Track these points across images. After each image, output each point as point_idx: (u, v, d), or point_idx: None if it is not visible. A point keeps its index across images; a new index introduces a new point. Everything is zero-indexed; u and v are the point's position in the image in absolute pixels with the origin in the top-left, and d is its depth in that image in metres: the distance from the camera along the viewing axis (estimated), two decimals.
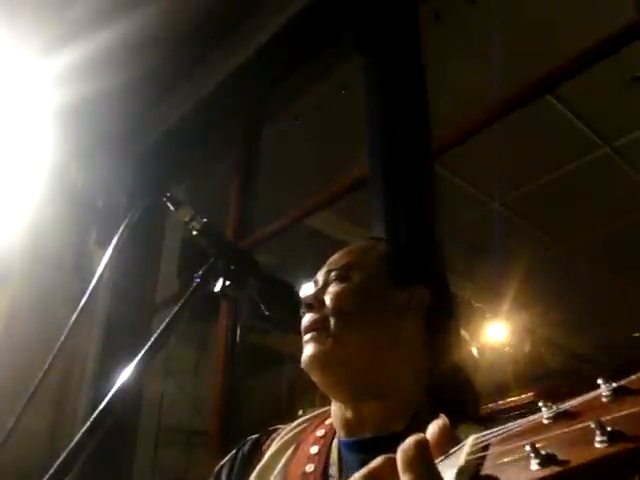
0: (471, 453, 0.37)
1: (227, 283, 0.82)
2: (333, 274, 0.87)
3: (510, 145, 2.93)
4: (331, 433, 0.85)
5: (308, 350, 0.82)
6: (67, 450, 0.66)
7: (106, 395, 0.69)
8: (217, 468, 0.93)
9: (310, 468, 0.80)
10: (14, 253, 2.66)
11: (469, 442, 0.38)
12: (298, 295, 0.87)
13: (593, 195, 3.59)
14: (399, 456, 0.38)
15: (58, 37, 2.41)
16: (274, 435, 0.91)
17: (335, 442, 0.82)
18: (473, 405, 0.87)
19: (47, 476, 0.64)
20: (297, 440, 0.87)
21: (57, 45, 2.41)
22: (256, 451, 0.90)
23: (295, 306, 0.85)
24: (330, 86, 2.67)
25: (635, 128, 3.10)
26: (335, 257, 0.91)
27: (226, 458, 0.93)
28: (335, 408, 0.85)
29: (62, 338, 0.89)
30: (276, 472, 0.83)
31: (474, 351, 4.63)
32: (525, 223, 3.95)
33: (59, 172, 2.85)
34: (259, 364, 3.56)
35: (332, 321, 0.82)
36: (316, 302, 0.84)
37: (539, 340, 5.26)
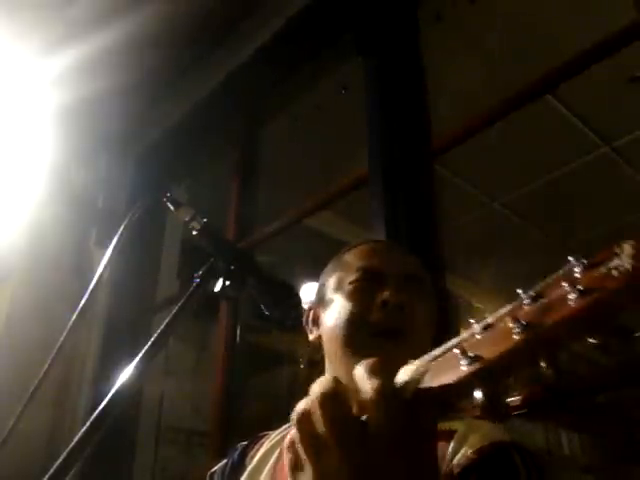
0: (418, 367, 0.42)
1: (227, 283, 0.82)
2: (412, 285, 0.87)
3: (510, 145, 2.93)
4: None
5: (386, 347, 0.81)
6: (67, 450, 0.66)
7: (106, 395, 0.69)
8: (208, 475, 0.94)
9: None
10: (14, 253, 2.66)
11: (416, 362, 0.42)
12: (298, 295, 0.86)
13: (593, 195, 3.58)
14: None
15: (58, 37, 2.41)
16: (263, 440, 0.92)
17: None
18: None
19: (47, 476, 0.64)
20: (284, 443, 0.87)
21: (57, 45, 2.41)
22: (245, 457, 0.91)
23: (295, 306, 0.85)
24: (330, 86, 2.67)
25: (635, 128, 3.10)
26: (403, 260, 0.92)
27: (217, 466, 0.94)
28: None
29: (62, 338, 0.89)
30: (264, 475, 0.84)
31: None
32: (525, 223, 3.95)
33: (59, 172, 2.85)
34: (259, 364, 3.56)
35: (409, 334, 0.83)
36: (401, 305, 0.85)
37: None
